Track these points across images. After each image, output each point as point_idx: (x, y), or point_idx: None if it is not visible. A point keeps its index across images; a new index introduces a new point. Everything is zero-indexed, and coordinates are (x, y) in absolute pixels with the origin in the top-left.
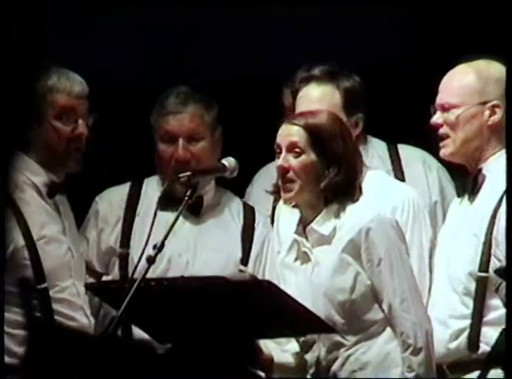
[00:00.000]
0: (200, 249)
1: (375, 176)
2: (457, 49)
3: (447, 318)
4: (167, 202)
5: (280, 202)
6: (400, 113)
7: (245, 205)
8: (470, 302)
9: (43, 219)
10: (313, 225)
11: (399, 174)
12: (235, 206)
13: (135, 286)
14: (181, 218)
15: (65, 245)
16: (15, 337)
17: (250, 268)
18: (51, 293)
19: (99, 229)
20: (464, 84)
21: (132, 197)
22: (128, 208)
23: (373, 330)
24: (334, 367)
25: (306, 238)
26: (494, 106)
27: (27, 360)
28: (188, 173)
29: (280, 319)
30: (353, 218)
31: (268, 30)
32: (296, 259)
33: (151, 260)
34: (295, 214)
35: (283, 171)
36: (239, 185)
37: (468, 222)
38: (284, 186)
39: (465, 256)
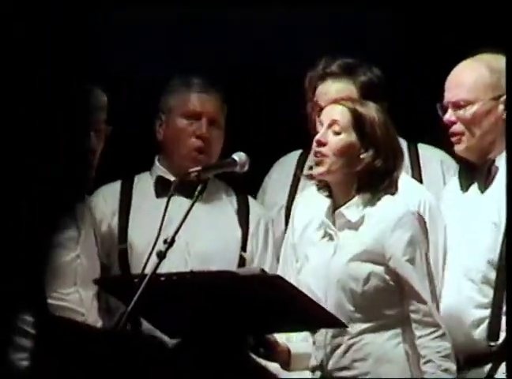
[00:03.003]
0: (198, 229)
1: None
2: (463, 45)
3: (464, 308)
4: (163, 191)
5: (298, 196)
6: (417, 111)
7: (237, 194)
8: (489, 291)
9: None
10: (342, 209)
11: (416, 173)
12: (230, 194)
13: (145, 281)
14: (177, 203)
15: (72, 253)
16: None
17: (248, 246)
18: (51, 300)
19: (98, 222)
20: (476, 79)
21: (125, 190)
22: (122, 203)
23: (381, 323)
24: (337, 353)
25: (334, 221)
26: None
27: (35, 355)
28: (198, 168)
29: (289, 313)
30: (384, 210)
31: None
32: (323, 238)
33: (161, 256)
34: (310, 208)
35: (319, 144)
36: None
37: (483, 211)
38: (316, 160)
39: (484, 245)
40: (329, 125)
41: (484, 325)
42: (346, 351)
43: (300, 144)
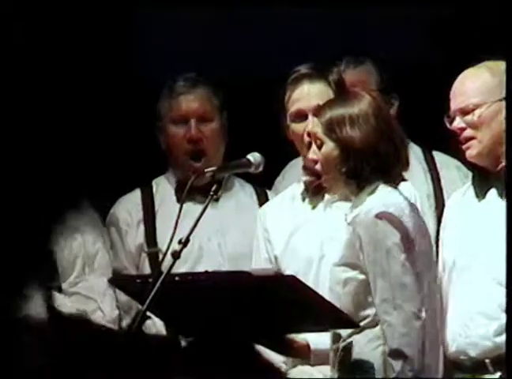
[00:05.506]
0: (228, 230)
1: None
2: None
3: (494, 311)
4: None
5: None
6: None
7: (255, 187)
8: None
9: None
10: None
11: (435, 176)
12: (248, 189)
13: (159, 281)
14: (200, 205)
15: (75, 242)
16: None
17: None
18: (65, 286)
19: (124, 233)
20: (480, 83)
21: (146, 198)
22: (146, 209)
23: (365, 323)
24: (333, 358)
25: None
26: None
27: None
28: (213, 168)
29: (304, 313)
30: (356, 212)
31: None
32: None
33: (176, 255)
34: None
35: (314, 163)
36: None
37: (505, 215)
38: (323, 183)
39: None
40: (314, 141)
41: None
42: (338, 356)
43: None
